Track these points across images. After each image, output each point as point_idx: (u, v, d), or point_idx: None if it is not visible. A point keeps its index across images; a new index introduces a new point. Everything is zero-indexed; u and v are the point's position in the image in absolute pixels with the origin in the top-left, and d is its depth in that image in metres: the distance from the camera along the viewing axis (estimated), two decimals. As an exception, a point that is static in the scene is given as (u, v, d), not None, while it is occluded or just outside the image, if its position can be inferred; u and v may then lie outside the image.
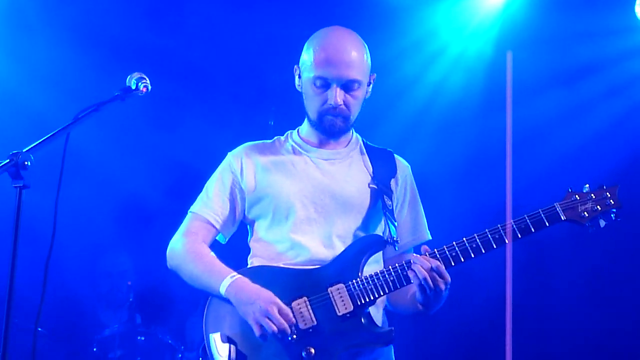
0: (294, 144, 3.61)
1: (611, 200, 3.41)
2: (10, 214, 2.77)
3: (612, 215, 3.41)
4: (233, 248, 3.70)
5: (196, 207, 3.58)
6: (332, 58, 3.40)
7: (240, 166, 3.56)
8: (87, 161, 6.06)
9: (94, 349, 5.70)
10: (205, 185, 3.61)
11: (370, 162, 3.59)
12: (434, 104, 6.72)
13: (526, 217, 3.34)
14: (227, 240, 3.63)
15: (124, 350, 5.65)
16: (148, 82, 3.18)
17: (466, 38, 6.67)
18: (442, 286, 3.25)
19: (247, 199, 3.54)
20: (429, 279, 3.21)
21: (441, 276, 3.24)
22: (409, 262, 3.28)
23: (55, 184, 3.01)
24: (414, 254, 3.32)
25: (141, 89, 3.16)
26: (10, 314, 2.73)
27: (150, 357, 5.61)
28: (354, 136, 3.64)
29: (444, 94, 6.72)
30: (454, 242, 3.32)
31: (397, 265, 3.32)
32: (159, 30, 6.41)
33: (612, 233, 6.21)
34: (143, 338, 5.65)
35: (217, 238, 3.62)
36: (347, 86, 3.41)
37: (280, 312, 3.23)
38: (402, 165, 3.65)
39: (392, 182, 3.57)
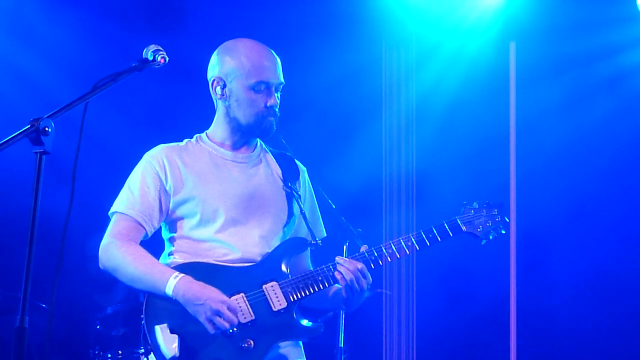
0: (209, 148, 3.78)
1: (498, 217, 3.87)
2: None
3: (501, 231, 3.88)
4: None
5: (122, 207, 3.65)
6: (269, 64, 3.68)
7: (163, 167, 3.66)
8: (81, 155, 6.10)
9: (97, 327, 5.72)
10: (127, 185, 3.69)
11: (279, 166, 3.85)
12: (435, 97, 6.72)
13: (433, 228, 3.72)
14: (147, 237, 3.71)
15: (127, 328, 5.67)
16: (165, 53, 3.20)
17: (468, 30, 6.66)
18: (365, 286, 3.59)
19: (172, 200, 3.65)
20: (354, 279, 3.56)
21: (364, 277, 3.59)
22: (334, 264, 3.60)
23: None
24: (339, 256, 3.64)
25: (159, 60, 3.18)
26: (29, 283, 2.72)
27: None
28: (258, 141, 3.86)
29: (445, 87, 6.72)
30: (382, 245, 3.68)
31: (323, 266, 3.63)
32: (158, 29, 6.42)
33: (613, 233, 6.34)
34: (146, 316, 5.66)
35: None
36: (278, 88, 3.72)
37: (229, 308, 3.45)
38: (301, 168, 3.92)
39: (297, 184, 3.85)
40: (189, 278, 3.49)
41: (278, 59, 3.73)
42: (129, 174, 3.71)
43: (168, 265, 3.61)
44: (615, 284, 6.45)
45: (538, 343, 6.56)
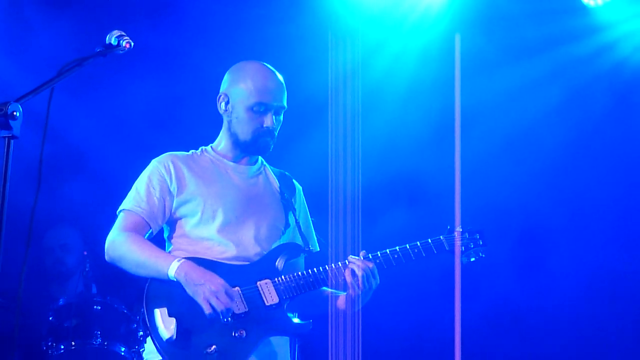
0: (212, 158, 4.12)
1: (480, 242, 4.18)
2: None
3: (480, 254, 4.19)
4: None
5: (129, 205, 3.95)
6: (270, 87, 4.02)
7: (169, 170, 3.99)
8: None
9: (50, 318, 5.67)
10: (135, 187, 4.00)
11: (277, 180, 4.18)
12: (384, 91, 6.74)
13: (418, 243, 4.03)
14: (152, 235, 4.00)
15: (80, 319, 5.63)
16: (129, 39, 3.22)
17: (414, 23, 6.68)
18: (374, 286, 3.91)
19: (175, 200, 3.96)
20: (365, 278, 3.88)
21: (374, 277, 3.91)
22: (345, 263, 3.92)
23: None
24: (351, 256, 3.96)
25: (124, 45, 3.21)
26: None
27: (106, 326, 5.60)
28: (259, 158, 4.19)
29: (393, 81, 6.75)
30: (387, 250, 3.99)
31: (314, 269, 3.94)
32: (158, 29, 6.39)
33: (614, 232, 6.43)
34: (99, 307, 5.64)
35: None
36: (278, 112, 4.04)
37: (226, 292, 3.70)
38: (298, 187, 4.25)
39: (293, 199, 4.16)
40: (192, 263, 3.76)
41: (283, 85, 4.07)
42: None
43: None
44: (613, 285, 6.55)
45: (538, 343, 6.61)
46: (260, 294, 3.83)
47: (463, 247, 4.12)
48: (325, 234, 4.39)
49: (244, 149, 4.06)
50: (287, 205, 4.10)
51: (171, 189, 3.95)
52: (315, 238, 4.25)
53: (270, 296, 3.83)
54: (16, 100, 2.80)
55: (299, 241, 4.08)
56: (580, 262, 6.52)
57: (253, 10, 6.55)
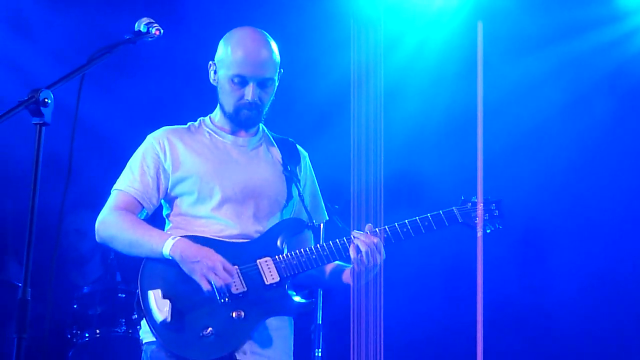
0: (209, 130, 3.92)
1: (496, 212, 3.97)
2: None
3: (497, 225, 3.98)
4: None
5: (122, 185, 3.81)
6: (249, 58, 3.77)
7: (163, 148, 3.82)
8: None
9: (74, 306, 5.71)
10: (129, 165, 3.85)
11: (279, 150, 3.97)
12: (406, 81, 6.70)
13: (429, 216, 3.82)
14: (147, 216, 3.86)
15: (105, 307, 5.68)
16: (159, 26, 3.23)
17: (436, 12, 6.63)
18: (379, 261, 3.69)
19: (170, 178, 3.80)
20: (369, 253, 3.66)
21: (379, 252, 3.70)
22: (349, 238, 3.71)
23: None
24: (355, 230, 3.74)
25: (153, 32, 3.23)
26: (30, 258, 2.74)
27: (131, 314, 5.58)
28: (261, 126, 3.98)
29: (416, 70, 6.70)
30: (395, 223, 3.80)
31: (318, 245, 3.74)
32: (187, 15, 6.41)
33: (615, 232, 6.39)
34: (124, 295, 5.68)
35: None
36: (262, 84, 3.79)
37: (224, 268, 3.55)
38: (303, 153, 4.05)
39: (297, 169, 3.96)
40: (187, 240, 3.62)
41: (272, 54, 3.82)
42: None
43: None
44: (614, 285, 6.50)
45: (538, 344, 6.58)
46: (260, 272, 3.65)
47: (477, 220, 3.92)
48: (347, 224, 4.25)
49: (231, 121, 3.87)
50: (290, 177, 3.90)
51: (165, 167, 3.79)
52: (324, 207, 4.05)
53: (271, 275, 3.65)
54: (47, 87, 2.82)
55: (304, 215, 3.88)
56: (580, 261, 6.51)
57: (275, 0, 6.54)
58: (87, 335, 5.63)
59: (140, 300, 3.60)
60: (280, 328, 3.74)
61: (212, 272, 3.50)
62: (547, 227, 6.61)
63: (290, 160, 3.94)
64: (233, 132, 3.90)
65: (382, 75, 6.37)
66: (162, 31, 3.23)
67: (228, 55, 3.81)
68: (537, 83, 6.55)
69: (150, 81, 6.40)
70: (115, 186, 3.82)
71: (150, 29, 3.23)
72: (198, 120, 3.98)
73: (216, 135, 3.91)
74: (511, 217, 5.26)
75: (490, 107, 6.03)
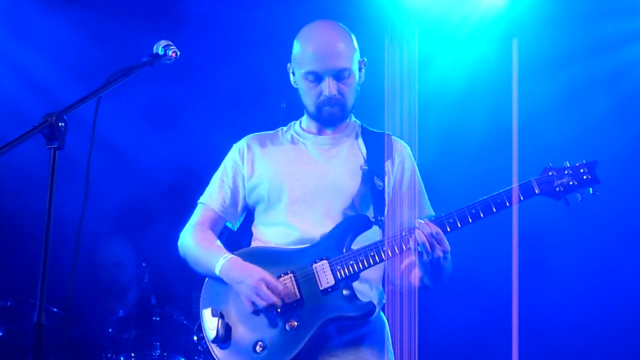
0: (293, 134, 3.81)
1: (588, 175, 3.50)
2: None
3: (590, 190, 3.48)
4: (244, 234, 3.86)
5: (204, 197, 3.79)
6: (318, 52, 3.60)
7: (242, 155, 3.76)
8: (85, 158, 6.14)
9: (109, 330, 5.73)
10: (213, 177, 3.82)
11: (365, 145, 3.75)
12: (440, 98, 6.67)
13: (502, 192, 3.48)
14: (237, 227, 3.82)
15: (139, 331, 5.71)
16: (176, 48, 3.25)
17: (471, 29, 6.64)
18: (440, 253, 3.36)
19: (246, 186, 3.73)
20: (427, 244, 3.34)
21: (440, 242, 3.36)
22: (411, 230, 3.41)
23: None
24: (418, 220, 3.44)
25: (170, 54, 3.24)
26: (45, 280, 2.74)
27: (166, 337, 5.65)
28: (352, 121, 3.82)
29: (450, 87, 6.69)
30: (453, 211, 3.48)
31: (377, 241, 3.49)
32: (157, 28, 6.42)
33: (615, 232, 6.31)
34: (158, 318, 5.69)
35: (227, 225, 3.82)
36: (339, 76, 3.60)
37: (268, 286, 3.41)
38: (399, 145, 3.81)
39: (388, 163, 3.72)
40: (237, 259, 3.56)
41: (341, 43, 3.64)
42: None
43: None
44: (614, 284, 6.42)
45: (539, 344, 6.51)
46: (314, 277, 3.46)
47: (561, 187, 3.47)
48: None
49: (316, 121, 3.72)
50: (370, 172, 3.64)
51: (244, 173, 3.72)
52: (427, 202, 3.79)
53: (326, 278, 3.44)
54: (62, 111, 2.82)
55: (379, 211, 3.60)
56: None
57: (310, 12, 6.53)
58: (122, 358, 5.65)
59: (201, 321, 3.60)
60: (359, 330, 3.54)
61: (254, 293, 3.41)
62: (546, 227, 6.52)
63: (375, 154, 3.70)
64: (319, 132, 3.76)
65: (417, 92, 6.36)
66: (178, 53, 3.24)
67: (299, 53, 3.67)
68: (571, 98, 6.49)
69: (188, 97, 6.42)
70: (200, 199, 3.81)
71: (168, 51, 3.24)
72: (289, 124, 3.88)
73: (298, 137, 3.79)
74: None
75: (524, 124, 6.04)
